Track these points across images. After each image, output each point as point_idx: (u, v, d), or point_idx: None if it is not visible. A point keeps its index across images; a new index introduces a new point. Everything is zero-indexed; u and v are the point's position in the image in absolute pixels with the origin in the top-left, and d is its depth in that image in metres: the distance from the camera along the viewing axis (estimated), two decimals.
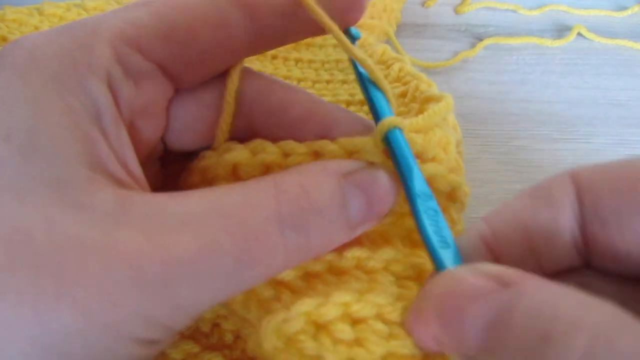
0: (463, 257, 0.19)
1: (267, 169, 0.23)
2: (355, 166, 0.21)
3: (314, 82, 0.44)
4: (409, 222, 0.23)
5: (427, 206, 0.20)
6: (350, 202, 0.20)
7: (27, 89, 0.19)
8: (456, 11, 0.60)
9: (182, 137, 0.25)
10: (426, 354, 0.19)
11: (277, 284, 0.22)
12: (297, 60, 0.47)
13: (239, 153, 0.23)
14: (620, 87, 0.52)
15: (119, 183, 0.19)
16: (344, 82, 0.45)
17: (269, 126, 0.25)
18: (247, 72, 0.26)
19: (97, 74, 0.20)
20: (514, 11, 0.60)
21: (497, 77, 0.53)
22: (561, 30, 0.58)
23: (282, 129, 0.25)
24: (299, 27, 0.24)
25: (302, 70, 0.46)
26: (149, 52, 0.22)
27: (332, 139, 0.23)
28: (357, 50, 0.23)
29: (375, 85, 0.23)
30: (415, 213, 0.20)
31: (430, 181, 0.23)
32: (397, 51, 0.52)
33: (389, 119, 0.22)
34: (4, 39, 0.48)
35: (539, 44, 0.56)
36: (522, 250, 0.19)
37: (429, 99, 0.29)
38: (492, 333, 0.15)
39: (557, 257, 0.19)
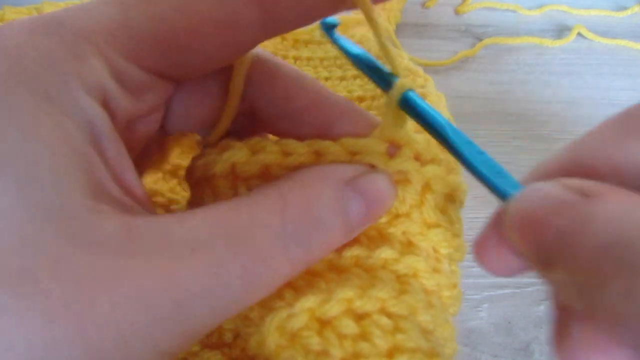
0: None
1: (266, 168, 0.23)
2: (357, 171, 0.21)
3: None
4: (406, 222, 0.24)
5: (473, 149, 0.21)
6: (350, 208, 0.20)
7: (16, 110, 0.17)
8: (456, 11, 0.60)
9: (183, 122, 0.25)
10: (431, 348, 0.19)
11: None
12: (295, 58, 0.47)
13: (238, 152, 0.23)
14: (620, 87, 0.52)
15: (122, 207, 0.18)
16: (342, 78, 0.46)
17: (271, 116, 0.24)
18: (252, 54, 0.24)
19: (90, 90, 0.18)
20: (514, 11, 0.60)
21: (497, 77, 0.53)
22: (561, 30, 0.58)
23: (285, 120, 0.24)
24: (312, 6, 0.21)
25: (300, 68, 0.46)
26: (148, 63, 0.20)
27: (335, 138, 0.23)
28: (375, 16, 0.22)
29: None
30: (462, 158, 0.21)
31: (429, 183, 0.23)
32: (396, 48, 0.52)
33: (401, 82, 0.22)
34: None
35: (539, 44, 0.56)
36: (608, 182, 0.17)
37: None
38: (567, 240, 0.15)
39: None
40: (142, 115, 0.22)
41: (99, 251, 0.16)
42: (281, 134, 0.24)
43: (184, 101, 0.23)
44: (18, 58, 0.17)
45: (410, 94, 0.22)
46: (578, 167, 0.18)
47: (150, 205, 0.20)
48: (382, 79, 0.23)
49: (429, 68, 0.52)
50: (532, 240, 0.17)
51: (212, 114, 0.24)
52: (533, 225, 0.17)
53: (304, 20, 0.22)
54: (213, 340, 0.29)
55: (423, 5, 0.60)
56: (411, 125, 0.23)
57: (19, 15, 0.50)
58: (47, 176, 0.16)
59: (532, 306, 0.36)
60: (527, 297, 0.37)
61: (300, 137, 0.23)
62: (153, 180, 0.35)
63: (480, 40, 0.56)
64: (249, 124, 0.25)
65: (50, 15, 0.19)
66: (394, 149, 0.23)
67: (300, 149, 0.22)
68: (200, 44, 0.20)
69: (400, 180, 0.23)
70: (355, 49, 0.24)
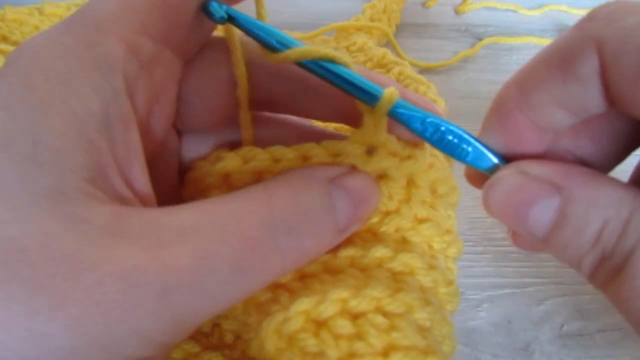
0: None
1: (258, 176, 0.23)
2: (340, 171, 0.22)
3: None
4: (396, 218, 0.24)
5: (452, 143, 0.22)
6: (337, 205, 0.21)
7: (31, 94, 0.18)
8: (456, 11, 0.60)
9: (199, 117, 0.25)
10: (427, 346, 0.19)
11: (275, 287, 0.22)
12: None
13: (230, 161, 0.23)
14: None
15: (118, 198, 0.19)
16: None
17: (287, 96, 0.25)
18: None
19: (111, 73, 0.19)
20: (514, 11, 0.60)
21: (497, 77, 0.53)
22: (561, 30, 0.58)
23: (302, 99, 0.25)
24: None
25: None
26: (154, 31, 0.21)
27: (318, 141, 0.23)
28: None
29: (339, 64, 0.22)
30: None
31: (413, 178, 0.24)
32: (396, 53, 0.52)
33: (388, 93, 0.21)
34: (5, 39, 0.48)
35: (539, 44, 0.56)
36: (556, 114, 0.21)
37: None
38: (553, 231, 0.20)
39: (589, 113, 0.20)
40: (157, 96, 0.22)
41: (86, 230, 0.17)
42: (305, 113, 0.25)
43: (197, 91, 0.24)
44: (36, 54, 0.19)
45: (401, 103, 0.22)
46: (529, 105, 0.21)
47: (152, 201, 0.21)
48: (361, 90, 0.22)
49: (430, 69, 0.52)
50: (514, 224, 0.21)
51: (227, 105, 0.25)
52: (515, 213, 0.21)
53: None
54: (214, 341, 0.29)
55: (423, 5, 0.60)
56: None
57: (19, 15, 0.50)
58: (47, 155, 0.17)
59: (532, 306, 0.36)
60: (527, 297, 0.37)
61: (323, 116, 0.25)
62: None
63: (481, 40, 0.56)
64: (266, 109, 0.26)
65: (69, 15, 0.21)
66: (372, 149, 0.23)
67: (288, 154, 0.23)
68: (183, 9, 0.22)
69: (382, 177, 0.23)
70: (341, 68, 0.22)
